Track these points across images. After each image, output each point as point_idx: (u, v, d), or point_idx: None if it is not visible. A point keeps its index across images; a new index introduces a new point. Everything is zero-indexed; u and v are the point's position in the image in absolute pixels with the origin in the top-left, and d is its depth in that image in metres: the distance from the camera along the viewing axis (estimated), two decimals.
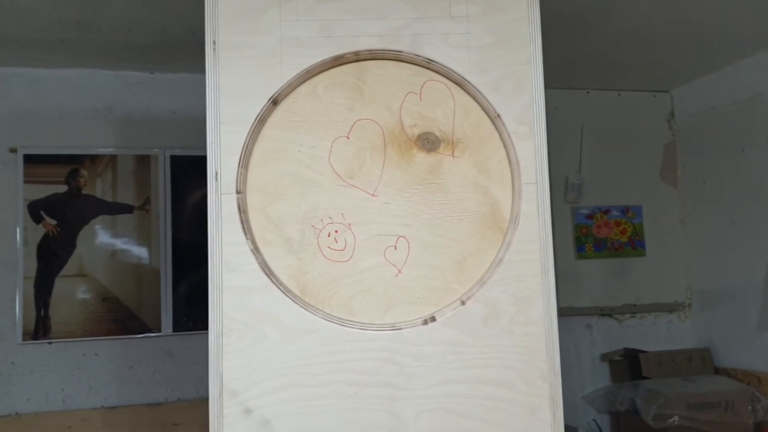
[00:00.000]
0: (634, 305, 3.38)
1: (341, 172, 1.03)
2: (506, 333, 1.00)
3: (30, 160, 2.73)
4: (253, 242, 1.00)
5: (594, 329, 3.35)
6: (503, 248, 1.03)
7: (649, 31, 2.67)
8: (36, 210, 2.72)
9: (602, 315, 3.36)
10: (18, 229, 2.69)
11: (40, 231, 2.72)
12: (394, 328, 1.00)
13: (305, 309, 1.00)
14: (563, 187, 3.37)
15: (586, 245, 3.36)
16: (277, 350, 0.98)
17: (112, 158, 2.83)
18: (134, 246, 2.82)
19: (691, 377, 3.13)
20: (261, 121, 1.02)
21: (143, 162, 2.87)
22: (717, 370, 3.23)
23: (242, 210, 1.00)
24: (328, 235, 1.02)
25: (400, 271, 1.02)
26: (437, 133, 1.05)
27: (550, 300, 1.01)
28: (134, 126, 2.87)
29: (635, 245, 3.41)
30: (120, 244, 2.81)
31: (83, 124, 2.80)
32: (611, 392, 3.17)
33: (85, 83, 2.82)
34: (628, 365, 3.22)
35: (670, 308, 3.42)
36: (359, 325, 1.00)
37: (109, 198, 2.81)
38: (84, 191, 2.78)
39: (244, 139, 1.01)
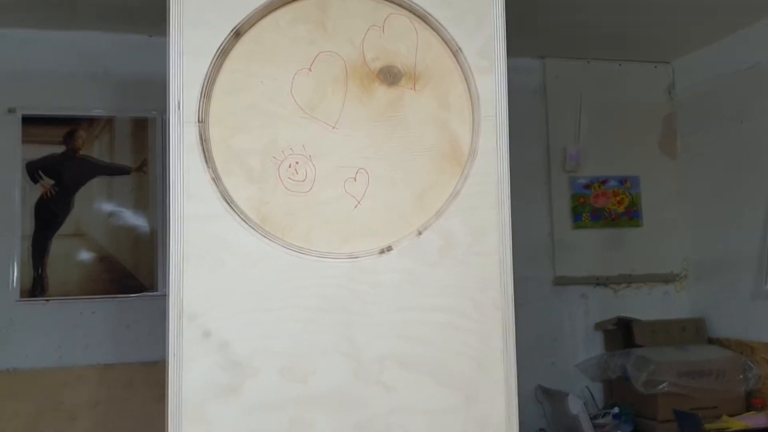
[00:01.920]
0: (630, 275, 3.38)
1: (303, 105, 1.05)
2: (461, 263, 1.02)
3: (28, 120, 2.77)
4: (214, 172, 1.02)
5: (589, 298, 3.36)
6: (461, 181, 1.04)
7: (651, 0, 2.65)
8: (34, 170, 2.76)
9: (597, 285, 3.37)
10: (16, 189, 2.73)
11: (37, 191, 2.76)
12: (351, 257, 1.02)
13: (265, 237, 1.02)
14: (561, 157, 3.36)
15: (583, 215, 3.36)
16: (236, 276, 1.00)
17: (110, 120, 2.86)
18: (131, 207, 2.86)
19: (684, 346, 3.13)
20: (223, 53, 1.03)
21: (140, 124, 2.90)
22: (710, 340, 3.24)
23: (204, 140, 1.02)
24: (289, 167, 1.04)
25: (359, 203, 1.04)
26: (399, 67, 1.06)
27: (505, 230, 1.02)
28: (131, 89, 2.89)
29: (632, 216, 3.40)
30: (117, 205, 2.84)
31: (80, 86, 2.83)
32: (604, 360, 3.18)
33: (82, 45, 2.84)
34: (622, 334, 3.23)
35: (666, 279, 3.42)
36: (317, 253, 1.02)
37: (106, 159, 2.85)
38: (81, 152, 2.81)
39: (206, 70, 1.02)
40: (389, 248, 1.02)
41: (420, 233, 1.03)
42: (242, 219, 1.02)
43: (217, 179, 1.02)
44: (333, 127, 1.05)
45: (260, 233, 1.02)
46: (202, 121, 1.02)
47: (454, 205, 1.04)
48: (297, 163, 1.04)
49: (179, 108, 1.02)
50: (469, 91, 1.06)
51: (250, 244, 1.01)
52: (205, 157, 1.02)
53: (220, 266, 1.00)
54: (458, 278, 1.02)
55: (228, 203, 1.02)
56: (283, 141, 1.04)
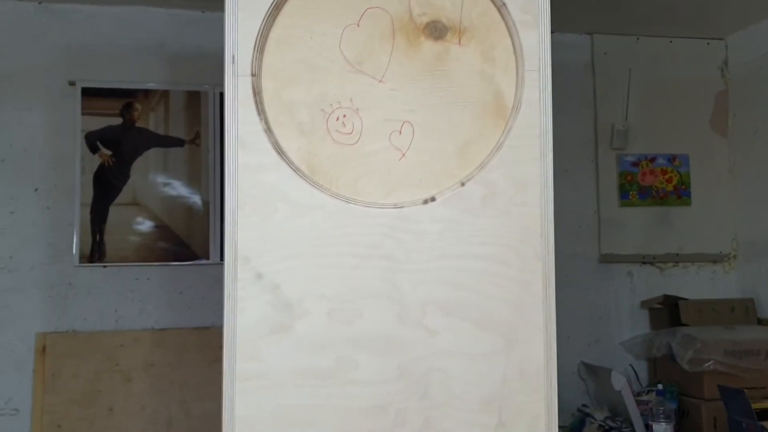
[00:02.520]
0: (677, 254, 3.35)
1: (351, 59, 1.09)
2: (503, 213, 1.05)
3: (87, 93, 2.88)
4: (266, 123, 1.07)
5: (635, 277, 3.35)
6: (504, 133, 1.07)
7: None
8: (93, 141, 2.87)
9: (644, 263, 3.35)
10: (77, 159, 2.85)
11: (96, 161, 2.87)
12: (396, 206, 1.06)
13: (314, 187, 1.06)
14: (609, 134, 3.34)
15: (630, 193, 3.34)
16: (288, 223, 1.05)
17: (165, 93, 2.96)
18: (185, 178, 2.95)
19: (732, 326, 3.10)
20: (276, 8, 1.08)
21: (194, 98, 2.98)
22: (760, 321, 3.19)
23: (257, 92, 1.07)
24: (337, 119, 1.08)
25: (404, 155, 1.08)
26: (445, 21, 1.09)
27: (547, 183, 1.05)
28: (185, 63, 2.98)
29: (681, 194, 3.37)
30: (171, 176, 2.94)
31: (137, 60, 2.93)
32: (649, 339, 3.16)
33: (139, 20, 2.94)
34: (668, 313, 3.21)
35: (715, 259, 3.38)
36: (364, 203, 1.06)
37: (161, 131, 2.94)
38: (138, 124, 2.91)
39: (259, 25, 1.07)
40: (433, 198, 1.06)
41: (463, 184, 1.06)
42: (293, 169, 1.06)
43: (269, 130, 1.07)
44: (380, 81, 1.09)
45: (310, 183, 1.06)
46: (255, 75, 1.07)
47: (497, 157, 1.07)
48: (344, 116, 1.08)
49: (234, 62, 1.07)
50: (513, 46, 1.08)
51: (301, 193, 1.06)
52: (257, 108, 1.07)
53: (273, 213, 1.05)
54: (500, 228, 1.05)
55: (279, 153, 1.07)
56: (332, 94, 1.09)
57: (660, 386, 2.94)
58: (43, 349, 2.77)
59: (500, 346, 1.05)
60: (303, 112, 1.09)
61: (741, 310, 3.20)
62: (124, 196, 2.89)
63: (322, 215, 1.06)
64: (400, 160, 1.08)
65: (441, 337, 1.05)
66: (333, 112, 1.09)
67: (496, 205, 1.06)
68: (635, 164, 3.35)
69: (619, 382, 2.90)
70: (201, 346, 2.90)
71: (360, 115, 1.09)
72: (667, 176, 3.36)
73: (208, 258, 2.95)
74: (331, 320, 1.05)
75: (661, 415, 2.80)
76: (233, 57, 1.07)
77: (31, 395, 2.75)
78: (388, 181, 1.08)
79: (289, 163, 1.07)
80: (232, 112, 1.07)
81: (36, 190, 2.83)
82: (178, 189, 2.95)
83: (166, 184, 2.94)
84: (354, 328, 1.05)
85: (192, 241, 2.95)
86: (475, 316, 1.05)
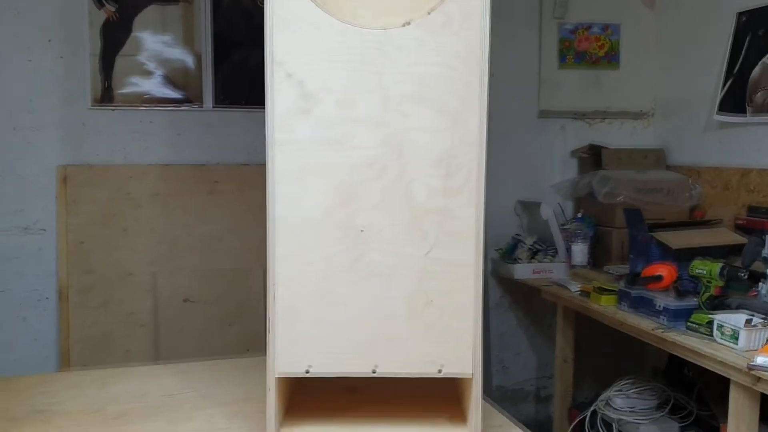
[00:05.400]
0: (605, 111, 3.92)
1: None
2: (455, 34, 1.55)
3: None
4: None
5: (567, 130, 3.92)
6: None
7: None
8: None
9: (575, 118, 3.92)
10: (84, 13, 3.21)
11: (102, 15, 3.24)
12: (383, 28, 1.55)
13: (326, 13, 1.54)
14: (552, 4, 3.81)
15: (568, 57, 3.85)
16: (308, 37, 1.53)
17: None
18: (180, 32, 3.34)
19: (644, 170, 3.72)
20: None
21: None
22: (668, 167, 3.82)
23: None
24: None
25: None
26: None
27: (486, 14, 1.54)
28: None
29: (611, 59, 3.90)
30: (169, 30, 3.32)
31: None
32: (575, 181, 3.78)
33: None
34: (592, 160, 3.81)
35: (636, 116, 3.97)
36: (360, 25, 1.54)
37: None
38: None
39: None
40: (409, 23, 1.55)
41: (429, 13, 1.55)
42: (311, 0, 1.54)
43: None
44: None
45: (323, 10, 1.54)
46: None
47: None
48: None
49: None
50: None
51: (317, 17, 1.54)
52: None
53: (298, 30, 1.53)
54: (453, 44, 1.55)
55: None
56: None
57: (580, 215, 3.58)
58: (64, 180, 3.23)
59: (449, 124, 1.57)
60: None
61: (653, 158, 3.82)
62: (128, 48, 3.28)
63: (332, 32, 1.54)
64: None
65: (411, 118, 1.57)
66: None
67: (451, 28, 1.55)
68: (573, 32, 3.85)
69: (547, 212, 3.52)
70: (198, 181, 3.40)
71: None
72: (600, 43, 3.87)
73: (202, 105, 3.40)
74: (338, 106, 1.55)
75: (579, 238, 3.46)
76: None
77: (55, 217, 3.24)
78: (377, 10, 1.56)
79: None
80: None
81: (49, 41, 3.20)
82: (175, 42, 3.35)
83: (164, 40, 3.33)
84: (353, 111, 1.56)
85: (189, 89, 3.39)
86: (434, 104, 1.56)
